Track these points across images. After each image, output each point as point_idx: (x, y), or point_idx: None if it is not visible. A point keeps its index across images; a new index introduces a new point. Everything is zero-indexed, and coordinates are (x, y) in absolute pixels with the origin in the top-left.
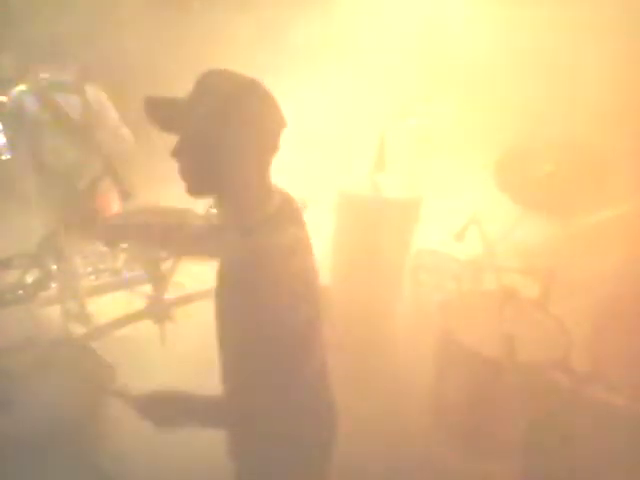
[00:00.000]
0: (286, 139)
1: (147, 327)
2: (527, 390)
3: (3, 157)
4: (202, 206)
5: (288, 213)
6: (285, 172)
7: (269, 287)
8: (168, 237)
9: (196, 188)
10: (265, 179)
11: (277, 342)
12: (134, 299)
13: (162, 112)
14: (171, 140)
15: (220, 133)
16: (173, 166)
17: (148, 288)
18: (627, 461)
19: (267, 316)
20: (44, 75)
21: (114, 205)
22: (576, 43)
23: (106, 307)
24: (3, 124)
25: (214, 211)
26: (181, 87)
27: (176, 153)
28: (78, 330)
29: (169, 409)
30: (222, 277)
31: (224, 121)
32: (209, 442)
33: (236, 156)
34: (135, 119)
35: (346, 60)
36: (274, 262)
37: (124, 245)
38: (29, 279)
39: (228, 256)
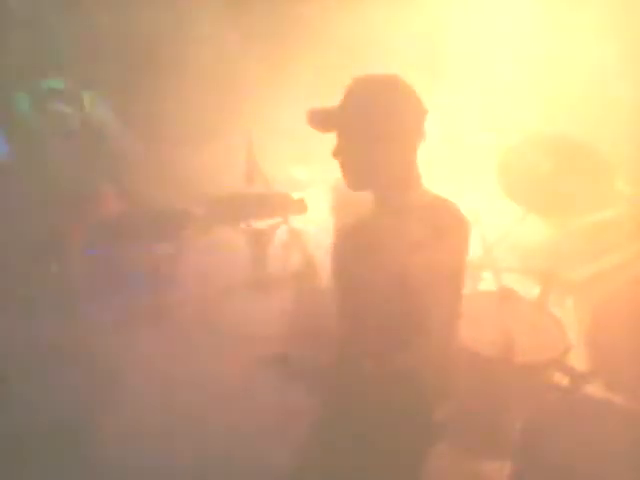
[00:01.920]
0: (287, 137)
1: (147, 328)
2: (526, 390)
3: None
4: (200, 209)
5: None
6: (287, 168)
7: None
8: None
9: (355, 182)
10: (413, 166)
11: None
12: (133, 300)
13: (321, 120)
14: (170, 146)
15: (368, 131)
16: (171, 169)
17: (148, 289)
18: (627, 461)
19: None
20: (43, 83)
21: (112, 208)
22: (576, 43)
23: (105, 308)
24: (3, 131)
25: (213, 213)
26: (183, 89)
27: (335, 154)
28: (77, 332)
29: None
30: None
31: (370, 120)
32: (207, 442)
33: (385, 149)
34: (135, 124)
35: (344, 58)
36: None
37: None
38: (29, 280)
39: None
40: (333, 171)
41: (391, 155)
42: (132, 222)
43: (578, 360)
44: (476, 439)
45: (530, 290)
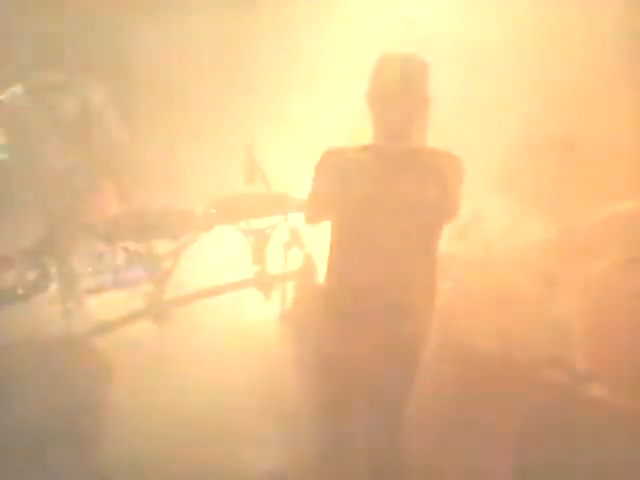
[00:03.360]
0: (293, 145)
1: (147, 326)
2: (526, 389)
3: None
4: (200, 208)
5: None
6: (295, 176)
7: None
8: None
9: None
10: None
11: None
12: (134, 298)
13: None
14: (170, 145)
15: None
16: (171, 167)
17: (148, 287)
18: (627, 461)
19: None
20: (41, 75)
21: (112, 206)
22: (576, 42)
23: (106, 306)
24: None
25: (213, 211)
26: (180, 85)
27: None
28: (77, 329)
29: None
30: None
31: None
32: (206, 443)
33: None
34: (134, 117)
35: (344, 62)
36: None
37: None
38: (29, 278)
39: None
40: None
41: None
42: (132, 221)
43: (578, 359)
44: (475, 437)
45: (530, 290)
